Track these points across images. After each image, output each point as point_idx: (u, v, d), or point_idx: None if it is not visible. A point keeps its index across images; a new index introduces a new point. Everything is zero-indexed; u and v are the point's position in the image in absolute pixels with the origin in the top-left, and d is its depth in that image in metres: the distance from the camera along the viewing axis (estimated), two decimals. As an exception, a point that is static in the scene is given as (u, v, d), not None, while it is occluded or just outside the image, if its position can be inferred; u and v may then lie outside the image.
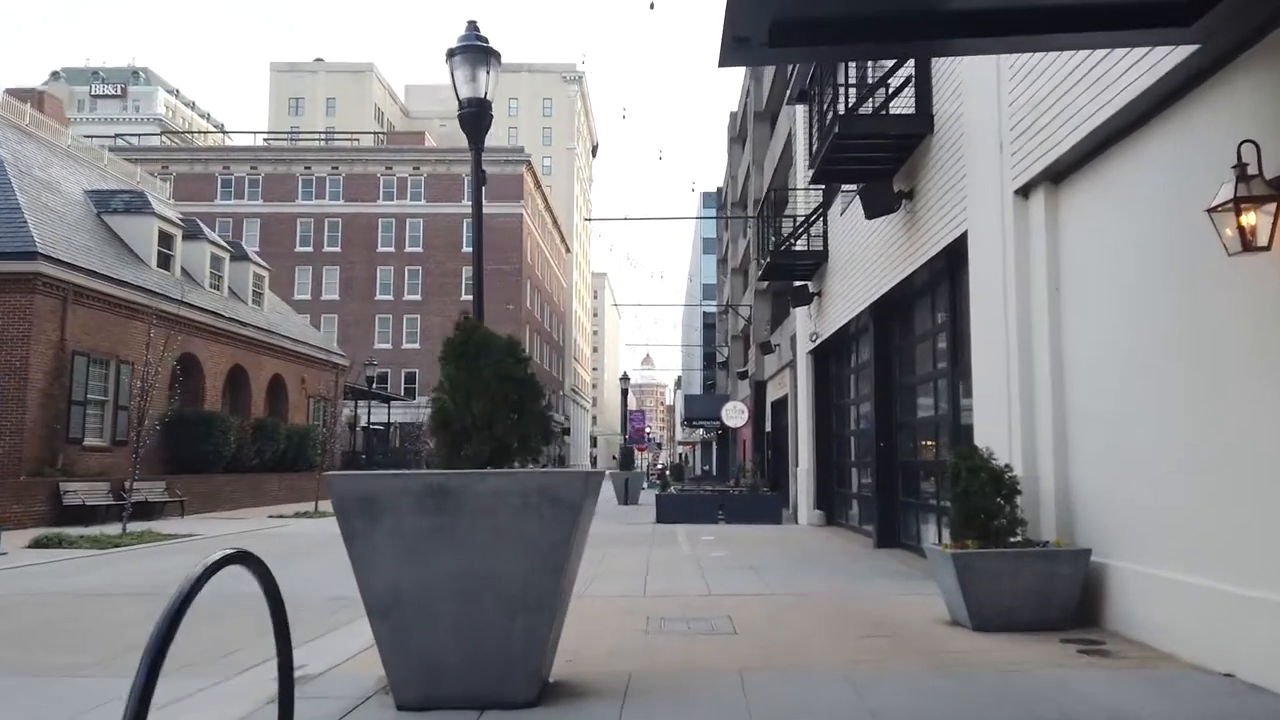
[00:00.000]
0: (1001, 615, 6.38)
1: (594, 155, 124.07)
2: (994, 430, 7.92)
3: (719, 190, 53.17)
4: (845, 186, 14.93)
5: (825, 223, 16.10)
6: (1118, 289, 6.40)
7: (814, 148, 11.41)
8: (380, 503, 4.20)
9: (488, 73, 7.13)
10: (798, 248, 16.66)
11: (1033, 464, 7.35)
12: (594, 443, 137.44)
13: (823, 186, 16.62)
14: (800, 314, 18.53)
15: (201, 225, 28.10)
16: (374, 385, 30.07)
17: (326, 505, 23.90)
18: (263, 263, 31.67)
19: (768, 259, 16.17)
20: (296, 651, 6.16)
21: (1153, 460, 5.92)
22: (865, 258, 13.15)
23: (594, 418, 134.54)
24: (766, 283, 29.40)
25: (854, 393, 16.16)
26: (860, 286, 13.54)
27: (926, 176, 10.17)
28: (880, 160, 10.87)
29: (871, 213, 10.70)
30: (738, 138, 40.47)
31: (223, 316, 26.47)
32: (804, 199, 17.26)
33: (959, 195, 9.07)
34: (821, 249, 15.94)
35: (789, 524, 18.56)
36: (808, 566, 10.89)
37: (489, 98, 7.23)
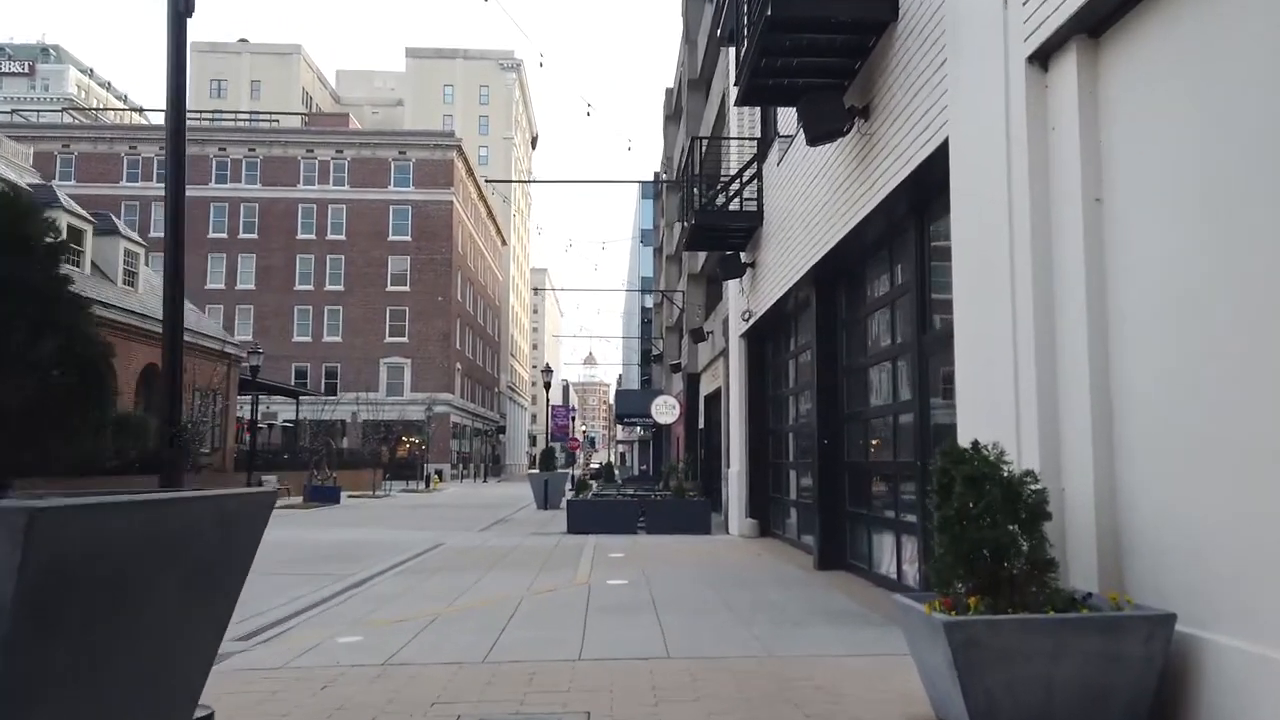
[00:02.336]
0: (1025, 723, 3.81)
1: (534, 147, 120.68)
2: (988, 419, 5.37)
3: (655, 174, 50.52)
4: (783, 131, 12.39)
5: (760, 179, 13.53)
6: (1218, 188, 3.87)
7: (741, 55, 8.80)
8: None
9: None
10: (730, 209, 14.05)
11: (1055, 471, 4.81)
12: (533, 442, 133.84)
13: (756, 137, 14.08)
14: (732, 290, 15.95)
15: (57, 192, 24.63)
16: (256, 374, 26.76)
17: (190, 513, 20.72)
18: (137, 238, 28.15)
19: (692, 220, 13.51)
20: None
21: (1297, 466, 3.40)
22: (806, 210, 10.60)
23: (533, 416, 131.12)
24: (702, 263, 26.85)
25: (793, 381, 13.64)
26: (800, 248, 10.99)
27: (887, 84, 7.61)
28: (827, 69, 8.31)
29: (814, 135, 8.11)
30: (673, 115, 37.86)
31: (79, 296, 23.00)
32: (736, 155, 14.67)
33: (935, 94, 6.52)
34: (756, 209, 13.36)
35: (719, 533, 15.99)
36: (728, 603, 8.26)
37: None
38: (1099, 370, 4.58)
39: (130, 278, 27.09)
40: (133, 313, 25.56)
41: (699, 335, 22.95)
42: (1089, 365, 4.60)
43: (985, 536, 4.05)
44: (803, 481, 13.22)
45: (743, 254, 14.54)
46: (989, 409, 5.47)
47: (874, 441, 9.91)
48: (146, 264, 28.01)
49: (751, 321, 14.27)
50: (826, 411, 10.83)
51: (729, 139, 14.89)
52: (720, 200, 14.59)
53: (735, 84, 9.51)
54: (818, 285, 10.96)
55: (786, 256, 11.81)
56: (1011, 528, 4.13)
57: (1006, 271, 5.26)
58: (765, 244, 13.27)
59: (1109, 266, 4.60)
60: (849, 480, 10.56)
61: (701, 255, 26.94)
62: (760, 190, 13.48)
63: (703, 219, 13.52)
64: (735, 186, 14.42)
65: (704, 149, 13.99)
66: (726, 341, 17.68)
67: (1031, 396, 4.96)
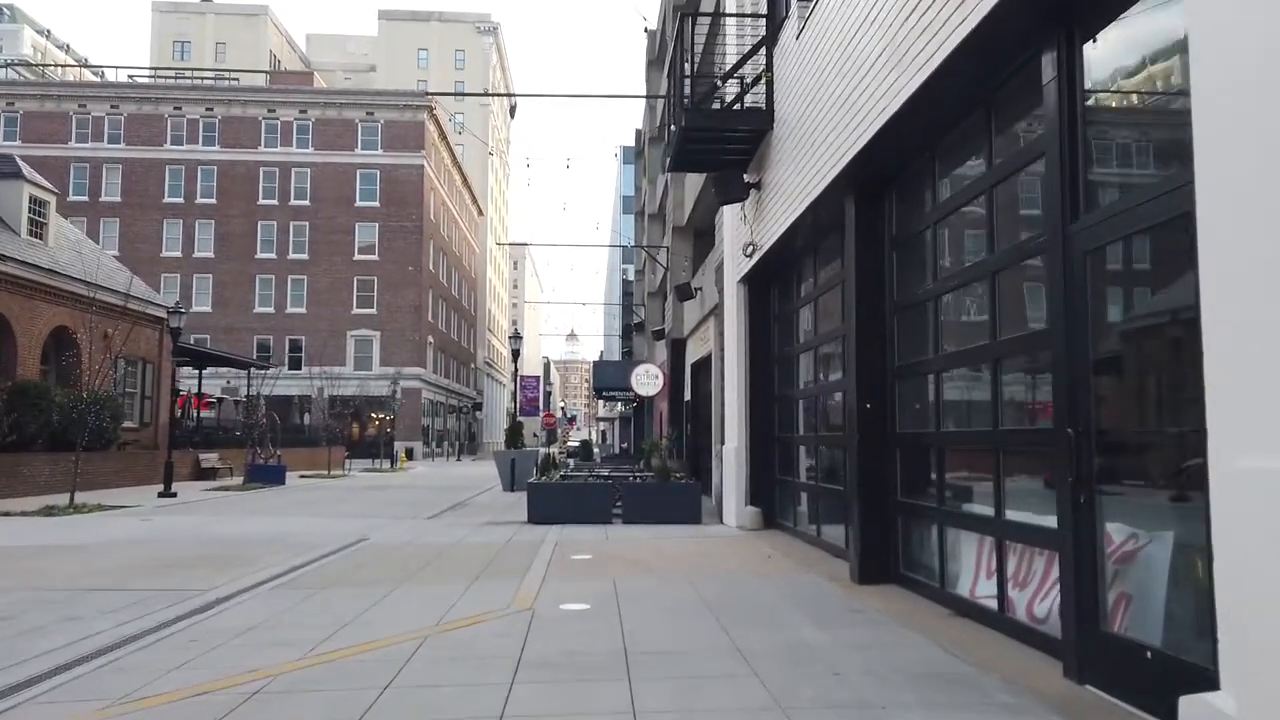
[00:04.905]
0: None
1: (512, 116, 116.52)
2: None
3: (637, 132, 47.18)
4: (804, -7, 9.24)
5: (769, 69, 10.39)
6: None
7: None
8: None
9: None
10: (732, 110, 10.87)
11: None
12: (512, 419, 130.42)
13: (764, 14, 10.92)
14: (728, 222, 12.83)
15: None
16: (178, 338, 23.40)
17: (83, 497, 17.54)
18: (45, 183, 24.63)
19: (682, 121, 10.31)
20: None
21: None
22: (843, 82, 7.50)
23: (512, 394, 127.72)
24: (688, 214, 23.75)
25: (810, 331, 10.59)
26: (831, 143, 7.91)
27: None
28: None
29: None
30: (656, 59, 34.53)
31: (-38, 245, 19.62)
32: (735, 48, 11.50)
33: None
34: (764, 105, 10.22)
35: (710, 523, 12.99)
36: (744, 653, 5.20)
37: None
38: None
39: (38, 229, 23.66)
40: (37, 267, 22.20)
41: (685, 292, 19.83)
42: None
43: None
44: (821, 461, 10.24)
45: (745, 175, 11.43)
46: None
47: (950, 402, 6.88)
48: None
49: (756, 257, 11.16)
50: (868, 364, 7.80)
51: (728, 14, 11.65)
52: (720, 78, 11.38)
53: None
54: (858, 191, 7.88)
55: (808, 161, 8.72)
56: None
57: None
58: (776, 154, 10.17)
59: None
60: (901, 460, 7.54)
61: (688, 205, 23.79)
62: (769, 85, 10.35)
63: (695, 119, 10.32)
64: (735, 93, 11.26)
65: (698, 30, 10.78)
66: (720, 294, 14.61)
67: None
